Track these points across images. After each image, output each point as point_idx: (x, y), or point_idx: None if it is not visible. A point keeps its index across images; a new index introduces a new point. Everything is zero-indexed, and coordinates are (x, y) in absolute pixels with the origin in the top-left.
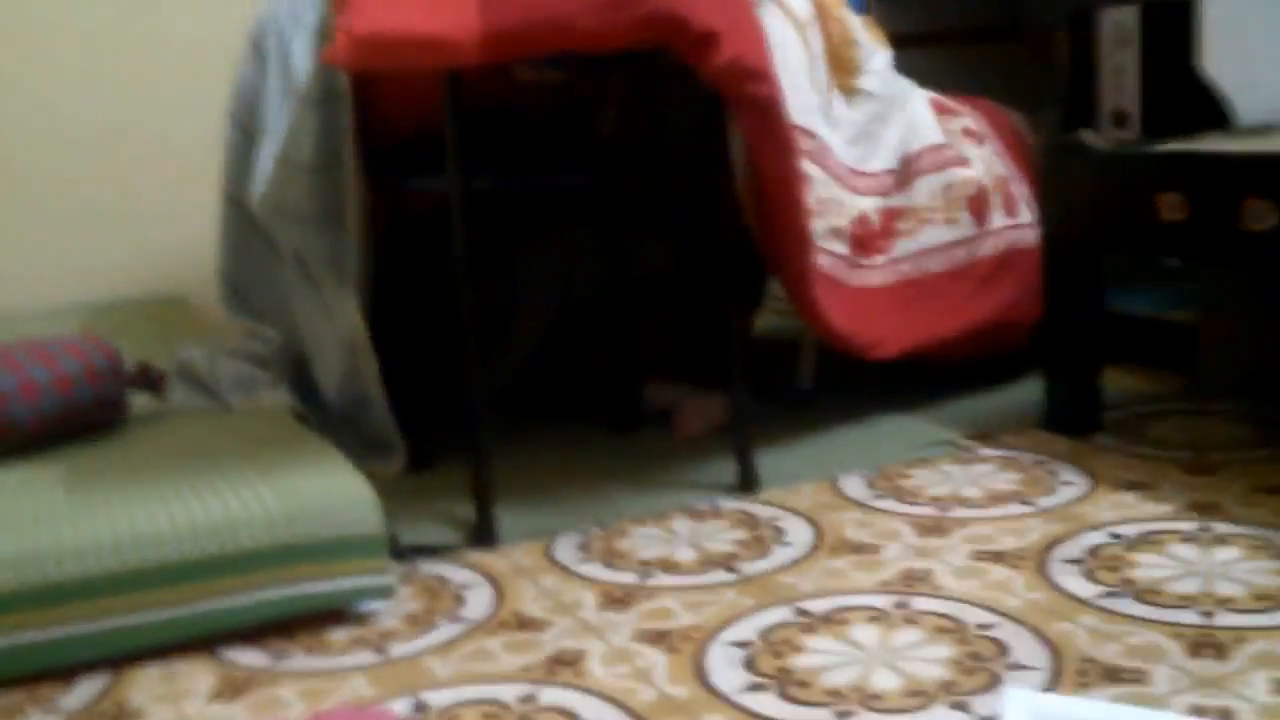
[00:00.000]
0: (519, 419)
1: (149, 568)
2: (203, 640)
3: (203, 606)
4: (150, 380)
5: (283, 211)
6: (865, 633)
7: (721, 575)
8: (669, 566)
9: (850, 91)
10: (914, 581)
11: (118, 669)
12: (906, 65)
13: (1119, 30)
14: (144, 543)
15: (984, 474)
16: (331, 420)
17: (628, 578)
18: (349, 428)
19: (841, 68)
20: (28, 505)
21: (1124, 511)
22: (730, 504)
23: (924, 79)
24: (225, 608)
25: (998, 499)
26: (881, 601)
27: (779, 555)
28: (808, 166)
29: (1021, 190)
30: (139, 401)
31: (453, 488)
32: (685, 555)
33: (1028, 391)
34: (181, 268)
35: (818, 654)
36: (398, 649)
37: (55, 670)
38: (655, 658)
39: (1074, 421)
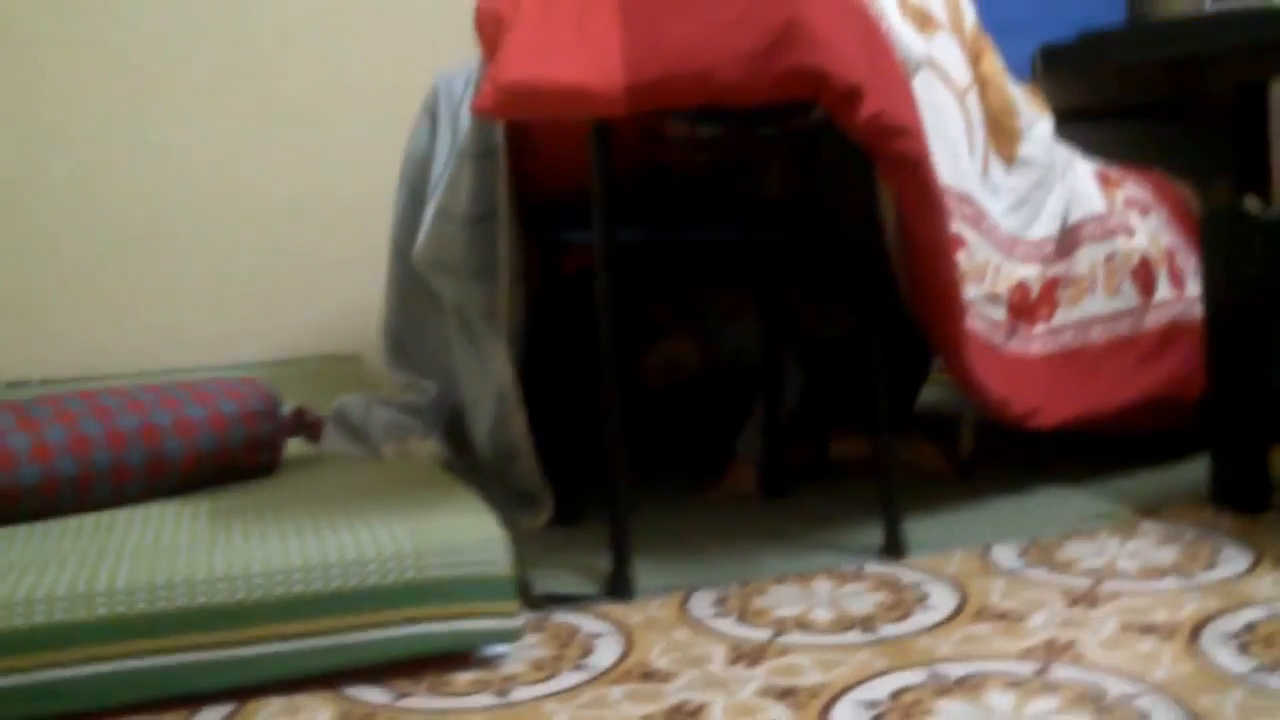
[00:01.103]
0: (670, 478)
1: (277, 600)
2: (327, 675)
3: (328, 641)
4: (305, 425)
5: (440, 263)
6: (1001, 699)
7: (857, 636)
8: (804, 625)
9: (1010, 159)
10: (1057, 651)
11: (241, 700)
12: (1073, 139)
13: None
14: (274, 575)
15: (1142, 547)
16: (482, 471)
17: (761, 634)
18: (498, 479)
19: (1001, 135)
20: (171, 536)
21: None
22: (875, 568)
23: (1091, 152)
24: (350, 643)
25: (1154, 572)
26: (1021, 669)
27: (919, 619)
28: (964, 231)
29: (1189, 263)
30: (295, 446)
31: (595, 541)
32: (822, 615)
33: (1195, 467)
34: (358, 327)
35: (949, 717)
36: (519, 693)
37: (181, 697)
38: (779, 713)
39: (1241, 498)
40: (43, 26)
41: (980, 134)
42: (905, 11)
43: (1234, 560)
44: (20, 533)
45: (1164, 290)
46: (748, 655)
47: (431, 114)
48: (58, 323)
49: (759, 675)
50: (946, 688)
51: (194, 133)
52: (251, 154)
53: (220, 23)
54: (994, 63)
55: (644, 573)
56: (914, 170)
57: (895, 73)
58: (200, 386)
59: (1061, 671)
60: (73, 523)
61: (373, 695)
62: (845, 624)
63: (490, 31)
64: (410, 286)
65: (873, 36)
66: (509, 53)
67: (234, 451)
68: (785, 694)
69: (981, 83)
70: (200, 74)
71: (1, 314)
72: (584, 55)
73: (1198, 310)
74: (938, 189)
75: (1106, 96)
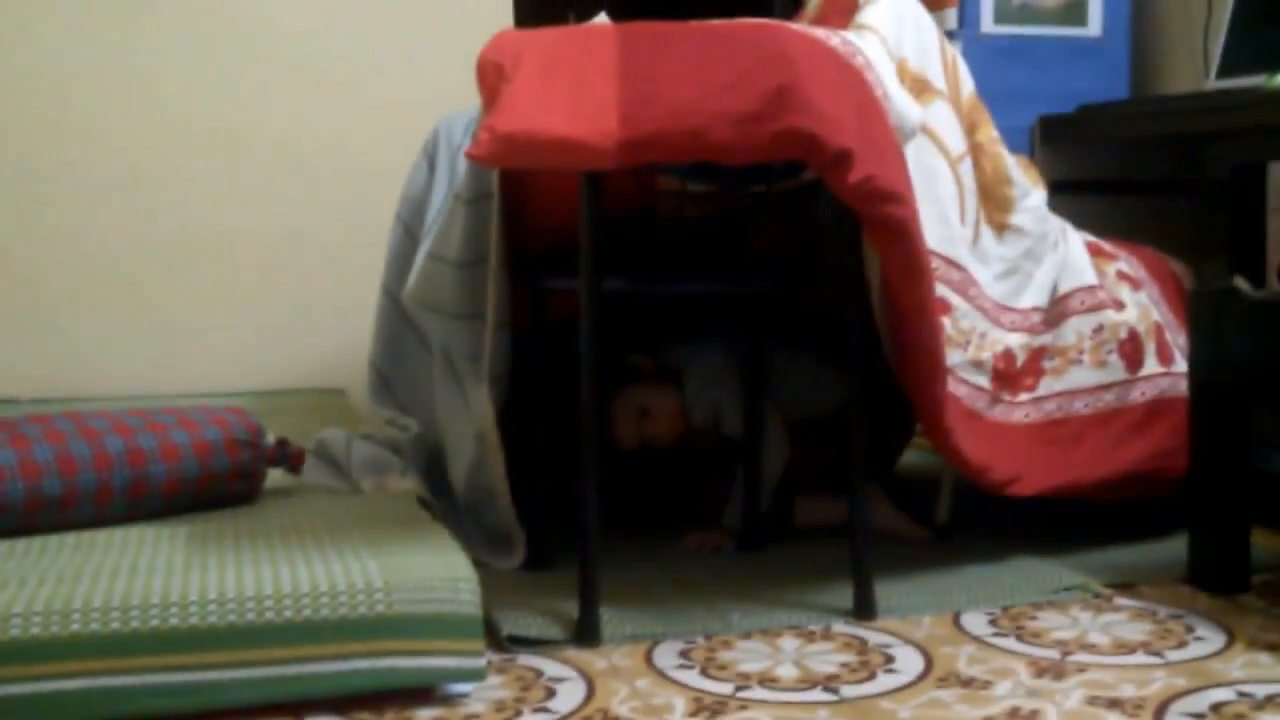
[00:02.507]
0: (643, 528)
1: (245, 626)
2: (291, 704)
3: (294, 670)
4: (287, 457)
5: (429, 304)
6: None
7: (819, 695)
8: (767, 681)
9: (1002, 227)
10: None
11: None
12: (1069, 211)
13: None
14: (244, 602)
15: (1114, 622)
16: (457, 511)
17: (723, 688)
18: (473, 520)
19: (994, 203)
20: (149, 558)
21: (1257, 671)
22: (843, 628)
23: (1086, 225)
24: (315, 673)
25: (1124, 648)
26: None
27: (883, 681)
28: (951, 296)
29: (1178, 339)
30: (276, 476)
31: (565, 587)
32: (786, 672)
33: (1175, 544)
34: (344, 362)
35: None
36: None
37: (147, 717)
38: None
39: (1218, 579)
40: (43, 57)
41: (973, 202)
42: (904, 79)
43: (1206, 640)
44: (3, 548)
45: (1151, 365)
46: (709, 708)
47: (430, 157)
48: (52, 344)
49: None
50: None
51: (191, 167)
52: (247, 190)
53: (220, 60)
54: (990, 132)
55: (612, 620)
56: (902, 235)
57: (887, 138)
58: (186, 413)
59: None
60: (54, 540)
61: None
62: (809, 682)
63: (491, 81)
64: (398, 324)
65: (866, 102)
66: (507, 103)
67: (216, 478)
68: None
69: (976, 151)
70: (198, 109)
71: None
72: (580, 109)
73: (1184, 386)
74: (924, 254)
75: (1104, 170)
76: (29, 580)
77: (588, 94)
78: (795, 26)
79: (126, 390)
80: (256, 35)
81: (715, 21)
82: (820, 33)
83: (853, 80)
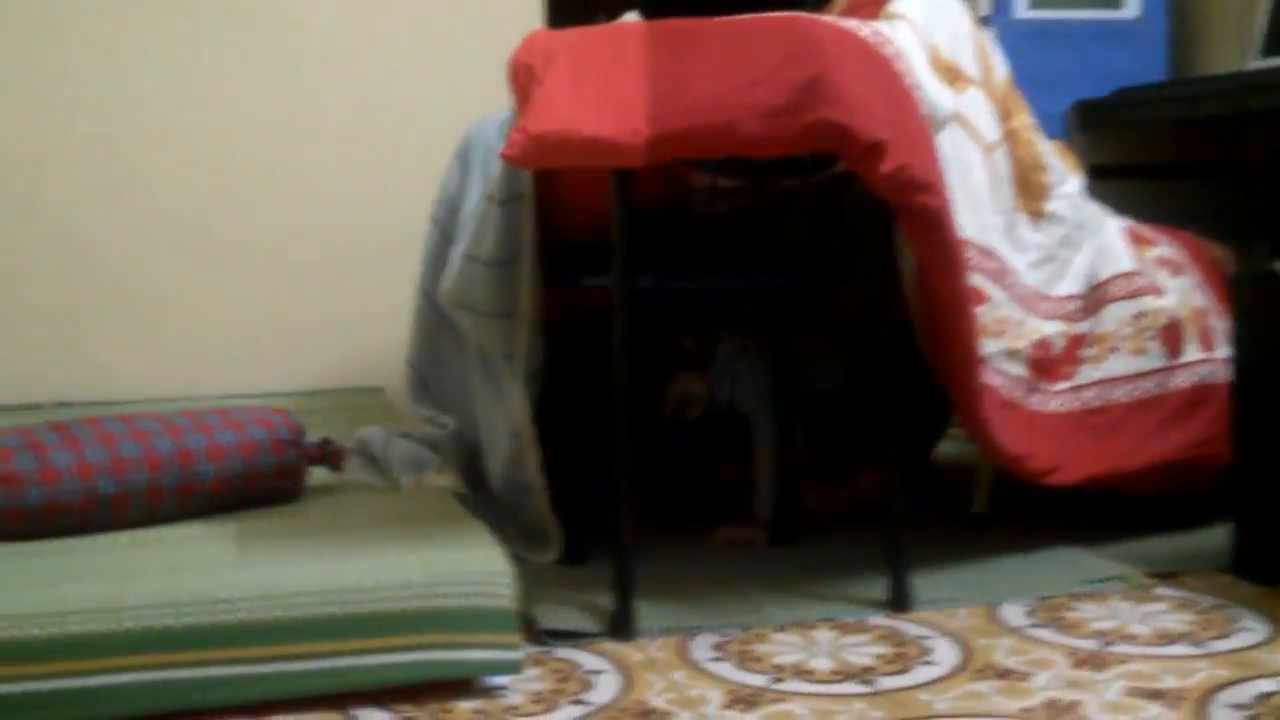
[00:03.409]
0: (678, 522)
1: (290, 621)
2: (335, 696)
3: (337, 663)
4: (329, 455)
5: (464, 303)
6: None
7: (855, 687)
8: (802, 673)
9: (1038, 215)
10: (1058, 711)
11: (252, 715)
12: (1108, 196)
13: None
14: (288, 597)
15: (1155, 612)
16: (495, 506)
17: (758, 680)
18: (510, 514)
19: (1029, 191)
20: (197, 556)
21: None
22: (879, 620)
23: (1125, 210)
24: (357, 666)
25: (1166, 638)
26: None
27: (920, 673)
28: (986, 285)
29: (1221, 324)
30: (318, 474)
31: (602, 580)
32: (821, 664)
33: (1217, 533)
34: (383, 361)
35: None
36: None
37: (195, 710)
38: None
39: (1263, 568)
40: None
41: (1007, 190)
42: (936, 67)
43: (1250, 630)
44: (59, 546)
45: (1192, 351)
46: (744, 700)
47: (463, 159)
48: (103, 349)
49: None
50: None
51: (236, 169)
52: (289, 193)
53: (265, 61)
54: (1024, 119)
55: (648, 613)
56: (934, 225)
57: (919, 129)
58: (233, 414)
59: None
60: (108, 538)
61: (377, 718)
62: (844, 674)
63: (523, 83)
64: (435, 324)
65: (897, 93)
66: (539, 103)
67: (261, 477)
68: None
69: (1011, 138)
70: (239, 111)
71: (50, 339)
72: (610, 107)
73: (1226, 373)
74: (957, 244)
75: (1142, 154)
76: (83, 577)
77: (617, 92)
78: (824, 18)
79: (171, 392)
80: (291, 42)
81: (743, 16)
82: (850, 23)
83: (883, 70)
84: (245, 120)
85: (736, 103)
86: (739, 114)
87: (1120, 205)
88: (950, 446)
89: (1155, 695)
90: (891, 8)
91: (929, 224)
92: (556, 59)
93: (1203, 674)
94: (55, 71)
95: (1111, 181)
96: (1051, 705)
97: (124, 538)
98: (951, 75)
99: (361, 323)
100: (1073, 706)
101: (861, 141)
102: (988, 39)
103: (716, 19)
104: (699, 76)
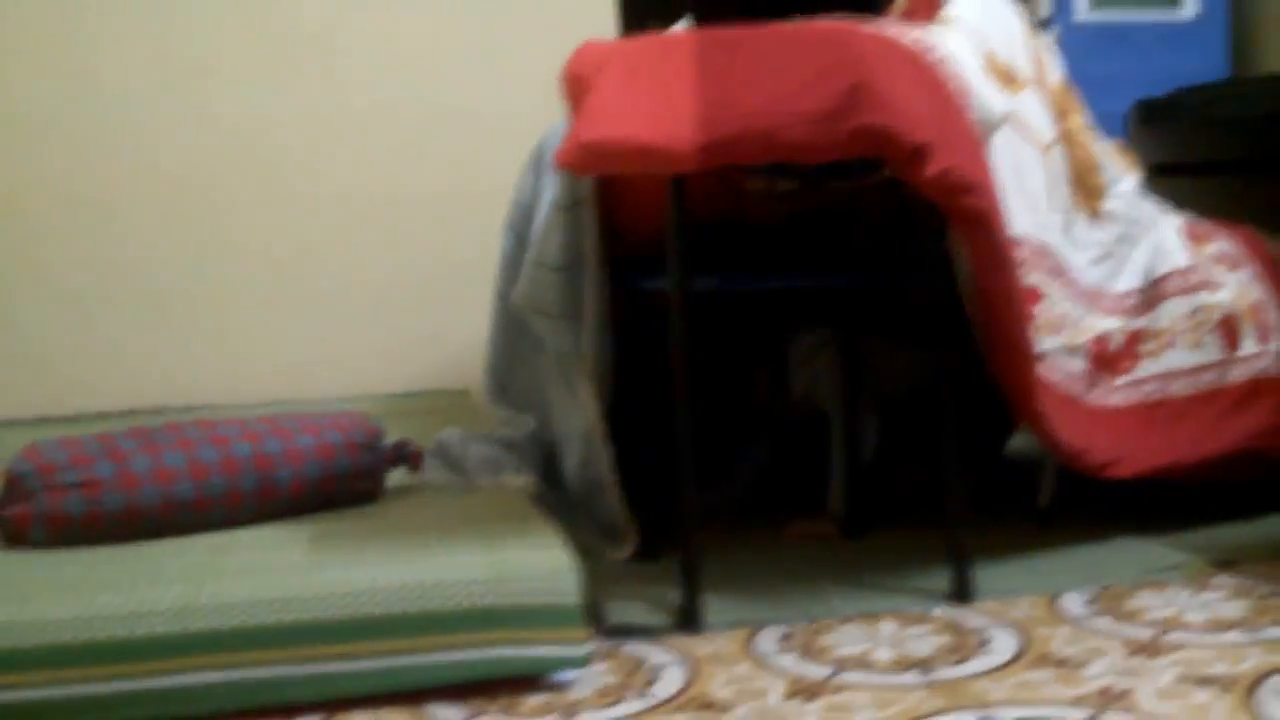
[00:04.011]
0: (753, 516)
1: (363, 619)
2: (410, 693)
3: (409, 660)
4: (406, 457)
5: (535, 307)
6: None
7: (914, 677)
8: (864, 664)
9: (1095, 213)
10: (1111, 699)
11: (329, 712)
12: (1168, 193)
13: None
14: (360, 596)
15: (1213, 600)
16: (572, 505)
17: (820, 671)
18: (586, 513)
19: (1086, 190)
20: (274, 558)
21: None
22: (941, 611)
23: (1185, 207)
24: (430, 663)
25: (1222, 625)
26: (1073, 715)
27: (978, 663)
28: (1044, 283)
29: (1279, 318)
30: (397, 476)
31: (673, 576)
32: (883, 655)
33: (1278, 522)
34: (469, 365)
35: None
36: (584, 718)
37: (275, 707)
38: None
39: None
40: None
41: (1064, 188)
42: (990, 70)
43: None
44: (138, 550)
45: (1249, 345)
46: (805, 691)
47: (537, 166)
48: (189, 354)
49: (813, 711)
50: None
51: (320, 175)
52: (372, 199)
53: (342, 74)
54: (1080, 119)
55: (716, 607)
56: (982, 225)
57: (964, 131)
58: (310, 418)
59: (1112, 719)
60: (186, 542)
61: (450, 713)
62: (904, 665)
63: (575, 91)
64: (511, 327)
65: (942, 97)
66: (591, 112)
67: (339, 479)
68: None
69: (1066, 139)
70: (321, 126)
71: (152, 347)
72: (660, 115)
73: None
74: (1006, 243)
75: (1202, 151)
76: (159, 580)
77: (667, 100)
78: (866, 25)
79: (261, 398)
80: (367, 55)
81: (789, 24)
82: (894, 29)
83: (927, 75)
84: (326, 135)
85: (782, 110)
86: (785, 120)
87: (1182, 202)
88: (1020, 441)
89: (1206, 682)
90: (945, 12)
91: (977, 224)
92: (607, 68)
93: (1254, 660)
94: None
95: (1174, 179)
96: (1104, 693)
97: (201, 542)
98: (1007, 77)
99: (448, 328)
100: (1125, 694)
101: (905, 145)
102: (1043, 41)
103: (763, 27)
104: (746, 84)
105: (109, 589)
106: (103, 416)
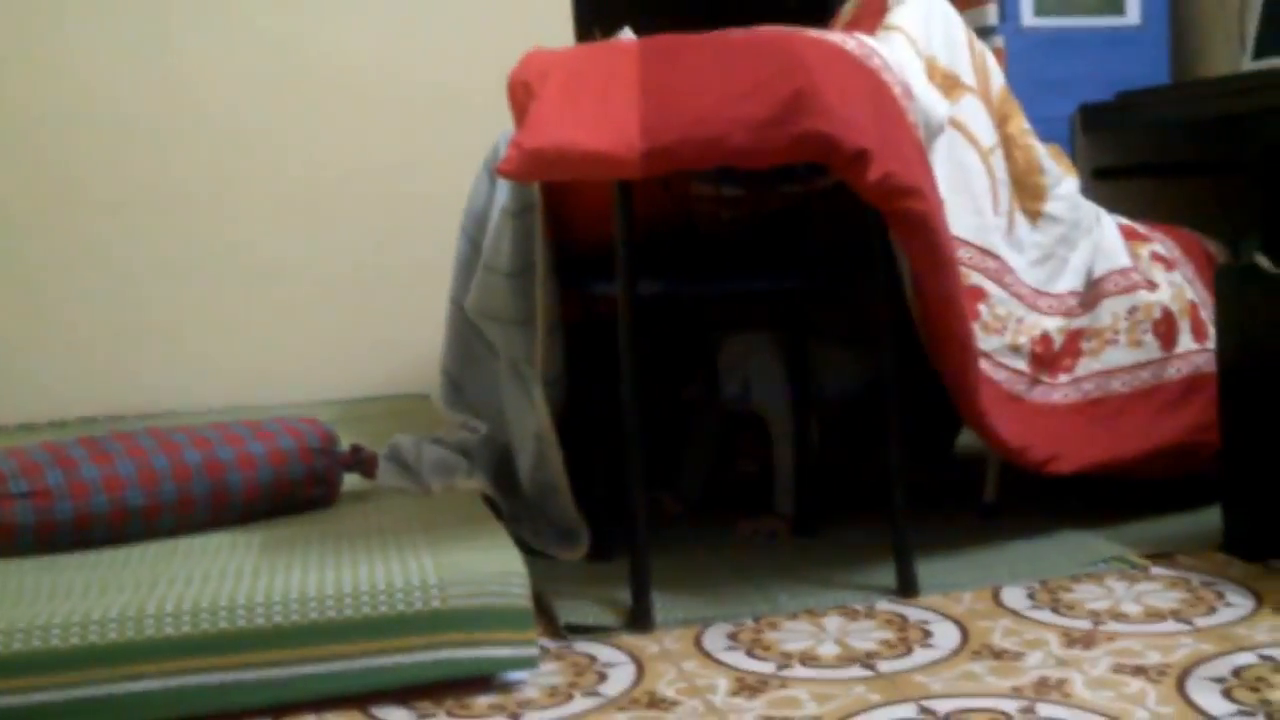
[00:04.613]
0: (704, 516)
1: (311, 625)
2: (356, 696)
3: (358, 664)
4: (361, 462)
5: (488, 312)
6: None
7: (857, 671)
8: (808, 659)
9: (1036, 215)
10: (1046, 689)
11: (276, 716)
12: (1111, 195)
13: None
14: (309, 602)
15: (1148, 591)
16: (526, 508)
17: (766, 667)
18: (540, 515)
19: (1027, 192)
20: (225, 564)
21: None
22: (886, 606)
23: (1128, 209)
24: (378, 667)
25: (1155, 616)
26: (1009, 705)
27: (920, 656)
28: (986, 284)
29: (1213, 316)
30: (353, 481)
31: (623, 576)
32: (828, 650)
33: (1213, 514)
34: (427, 370)
35: None
36: (531, 718)
37: (222, 713)
38: None
39: (1252, 546)
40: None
41: (1005, 192)
42: (934, 76)
43: (1235, 606)
44: (89, 558)
45: (1186, 342)
46: (750, 687)
47: (491, 171)
48: (154, 364)
49: (758, 706)
50: None
51: (276, 182)
52: (330, 203)
53: (301, 77)
54: (1020, 124)
55: (666, 606)
56: (923, 228)
57: (905, 136)
58: (262, 425)
59: (1047, 709)
60: (138, 549)
61: (397, 716)
62: (848, 659)
63: (520, 98)
64: (467, 332)
65: (883, 102)
66: (534, 119)
67: (293, 485)
68: None
69: (1008, 143)
70: (278, 127)
71: (101, 356)
72: (605, 122)
73: None
74: (947, 245)
75: (1145, 154)
76: (110, 588)
77: (611, 107)
78: (810, 32)
79: (225, 402)
80: (327, 58)
81: (732, 32)
82: (835, 36)
83: (869, 81)
84: (285, 137)
85: (726, 116)
86: (729, 127)
87: (1123, 204)
88: (966, 439)
89: (1139, 671)
90: (890, 20)
91: (917, 227)
92: (552, 76)
93: (1186, 650)
94: (90, 88)
95: (1116, 181)
96: (1041, 683)
97: (152, 549)
98: (950, 84)
99: (406, 332)
100: (1060, 684)
101: (846, 151)
102: (984, 48)
103: (707, 35)
104: (690, 91)
105: (60, 597)
106: (56, 425)
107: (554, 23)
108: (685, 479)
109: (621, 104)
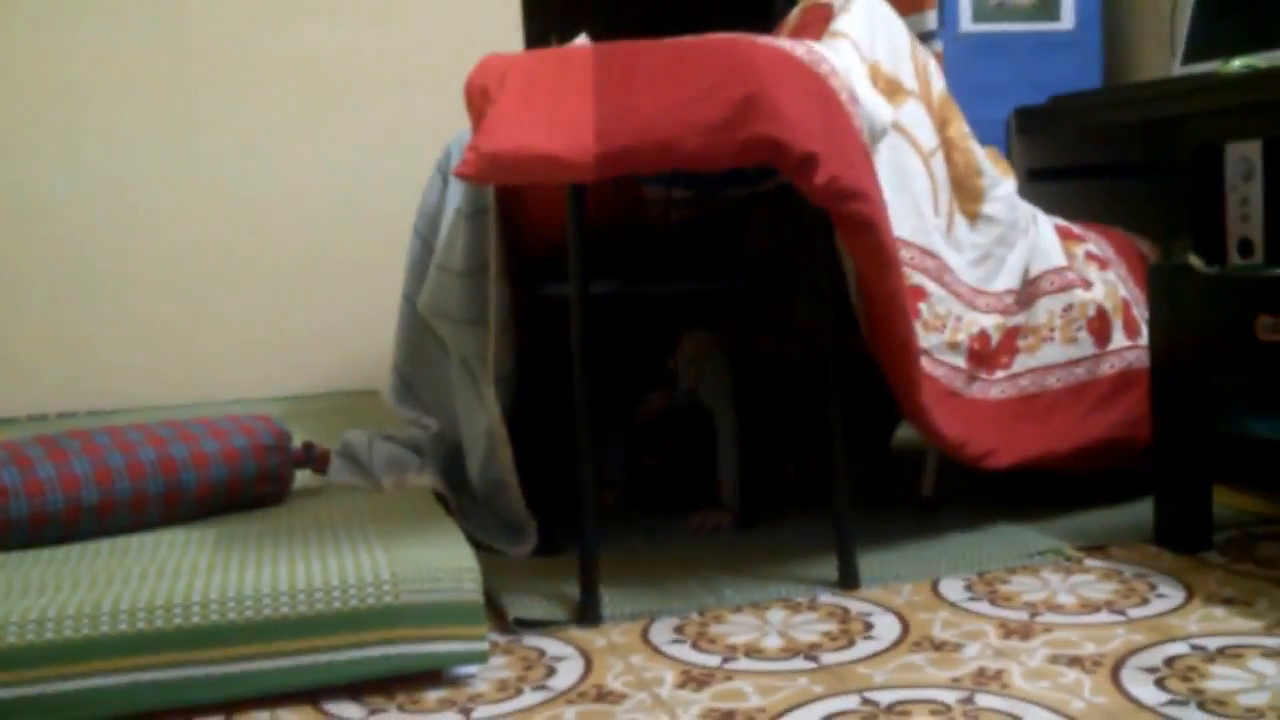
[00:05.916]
0: (646, 511)
1: (264, 621)
2: (308, 691)
3: (309, 660)
4: (313, 459)
5: (440, 311)
6: None
7: (801, 663)
8: (753, 652)
9: (974, 216)
10: (985, 680)
11: (228, 712)
12: (1045, 197)
13: (1243, 164)
14: (262, 599)
15: (1082, 583)
16: (476, 504)
17: (711, 660)
18: (489, 511)
19: (966, 194)
20: (179, 561)
21: (1211, 625)
22: (828, 598)
23: (1061, 210)
24: (329, 662)
25: (1089, 607)
26: (948, 696)
27: (861, 648)
28: (927, 283)
29: (1144, 313)
30: (304, 477)
31: (572, 570)
32: (772, 643)
33: (1145, 507)
34: (377, 366)
35: None
36: (482, 711)
37: (175, 709)
38: None
39: (1183, 538)
40: (91, 80)
41: (945, 193)
42: (877, 81)
43: (1167, 597)
44: (44, 555)
45: (1119, 339)
46: (696, 679)
47: (443, 172)
48: (102, 359)
49: (703, 699)
50: (875, 714)
51: (225, 178)
52: (282, 201)
53: (255, 80)
54: (960, 127)
55: (614, 600)
56: (868, 229)
57: (852, 140)
58: (216, 422)
59: (986, 699)
60: (92, 547)
61: (349, 710)
62: (791, 651)
63: (477, 102)
64: (418, 329)
65: (831, 107)
66: (491, 123)
67: (245, 482)
68: (725, 717)
69: (948, 146)
70: (231, 128)
71: (49, 350)
72: (559, 126)
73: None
74: (891, 246)
75: (1077, 156)
76: (64, 586)
77: (566, 112)
78: (761, 38)
79: (173, 399)
80: (282, 64)
81: (686, 37)
82: (785, 43)
83: (818, 87)
84: (238, 137)
85: (678, 120)
86: (680, 131)
87: (1057, 205)
88: (905, 434)
89: (1074, 661)
90: (835, 26)
91: (862, 228)
92: (509, 80)
93: (1119, 640)
94: (59, 95)
95: (1050, 182)
96: (979, 674)
97: (106, 546)
98: (892, 89)
99: (356, 329)
100: (998, 675)
101: (795, 154)
102: (926, 54)
103: (660, 40)
104: (643, 95)
105: (15, 595)
106: (7, 423)
107: (503, 34)
108: (611, 463)
109: (576, 108)
